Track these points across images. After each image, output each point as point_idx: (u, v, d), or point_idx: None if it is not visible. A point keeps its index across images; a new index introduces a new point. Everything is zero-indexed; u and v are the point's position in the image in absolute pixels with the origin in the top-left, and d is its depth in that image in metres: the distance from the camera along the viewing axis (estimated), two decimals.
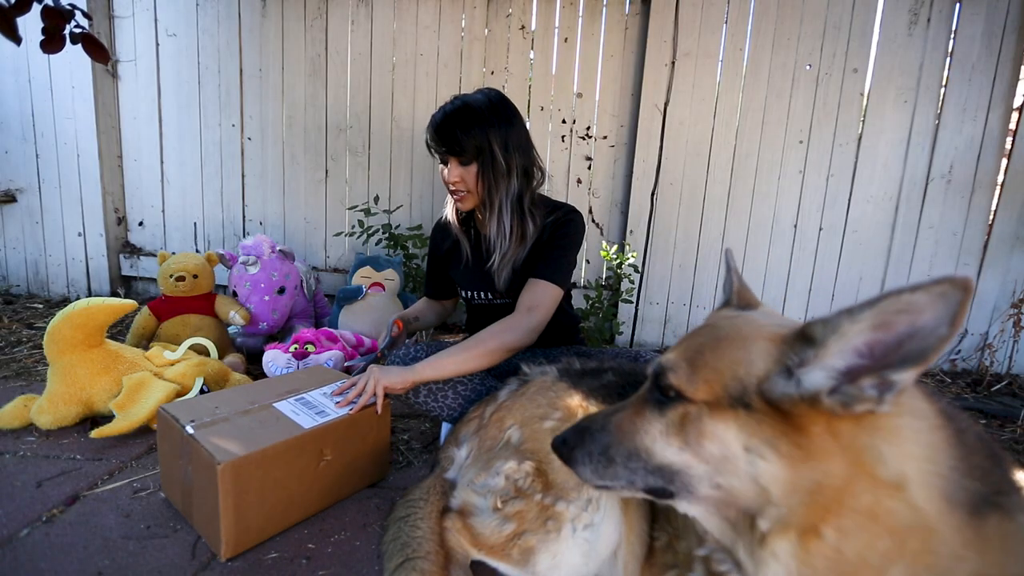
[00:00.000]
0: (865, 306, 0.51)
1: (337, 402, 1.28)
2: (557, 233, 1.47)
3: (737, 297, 0.78)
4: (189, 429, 1.09)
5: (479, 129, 1.37)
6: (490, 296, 1.57)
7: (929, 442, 0.56)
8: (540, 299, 1.40)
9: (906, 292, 0.48)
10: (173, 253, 2.19)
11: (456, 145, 1.38)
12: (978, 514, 0.55)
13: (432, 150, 1.45)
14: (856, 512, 0.55)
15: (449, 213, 1.60)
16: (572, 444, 0.71)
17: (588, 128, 2.61)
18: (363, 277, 2.39)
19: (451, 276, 1.66)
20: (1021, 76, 2.24)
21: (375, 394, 1.28)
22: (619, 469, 0.66)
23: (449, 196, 1.57)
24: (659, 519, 0.89)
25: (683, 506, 0.66)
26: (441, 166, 1.46)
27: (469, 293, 1.61)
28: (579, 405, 1.00)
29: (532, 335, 1.38)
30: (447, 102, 1.43)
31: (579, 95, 2.59)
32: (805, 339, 0.56)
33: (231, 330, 2.19)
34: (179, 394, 1.58)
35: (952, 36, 2.27)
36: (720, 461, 0.59)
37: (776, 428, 0.57)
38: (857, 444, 0.55)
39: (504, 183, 1.43)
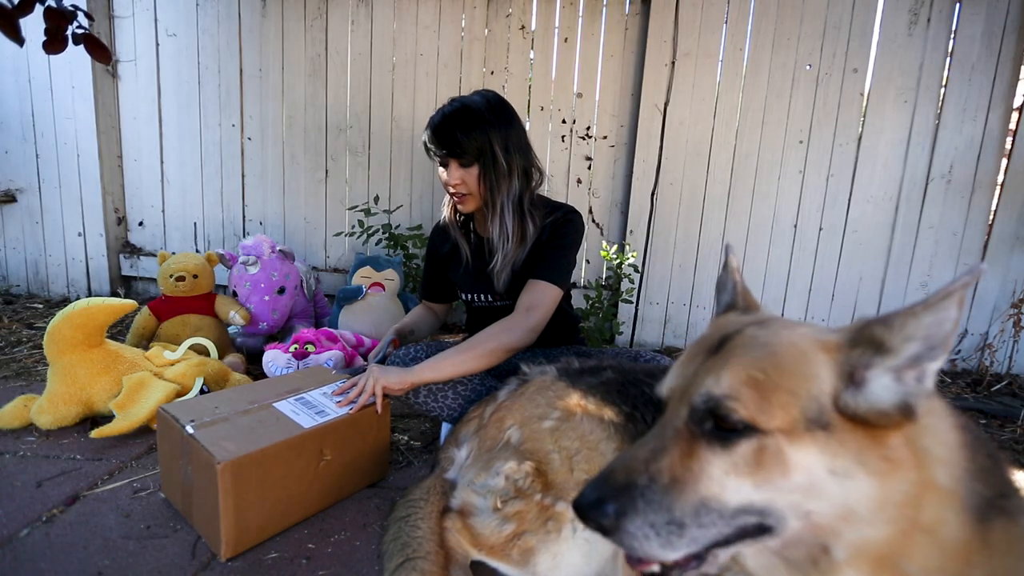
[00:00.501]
0: (923, 307, 0.51)
1: (338, 402, 1.28)
2: (556, 233, 1.47)
3: (743, 299, 0.73)
4: (189, 429, 1.09)
5: (480, 130, 1.38)
6: (490, 298, 1.57)
7: (952, 443, 0.55)
8: (539, 299, 1.40)
9: (957, 288, 0.49)
10: (173, 253, 2.19)
11: (457, 147, 1.38)
12: (985, 519, 0.53)
13: (431, 153, 1.44)
14: (920, 527, 0.52)
15: (447, 215, 1.59)
16: (620, 510, 0.54)
17: (588, 128, 2.61)
18: (363, 277, 2.39)
19: (450, 279, 1.66)
20: (1021, 76, 2.24)
21: (375, 393, 1.28)
22: (693, 531, 0.53)
23: (447, 198, 1.57)
24: None
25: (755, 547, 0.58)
26: (440, 169, 1.46)
27: (469, 296, 1.60)
28: (577, 404, 1.00)
29: (531, 335, 1.38)
30: (445, 104, 1.43)
31: (579, 95, 2.59)
32: (872, 344, 0.54)
33: (231, 330, 2.19)
34: (179, 394, 1.58)
35: (952, 36, 2.27)
36: (806, 489, 0.53)
37: (860, 443, 0.52)
38: (920, 448, 0.53)
39: (506, 184, 1.43)
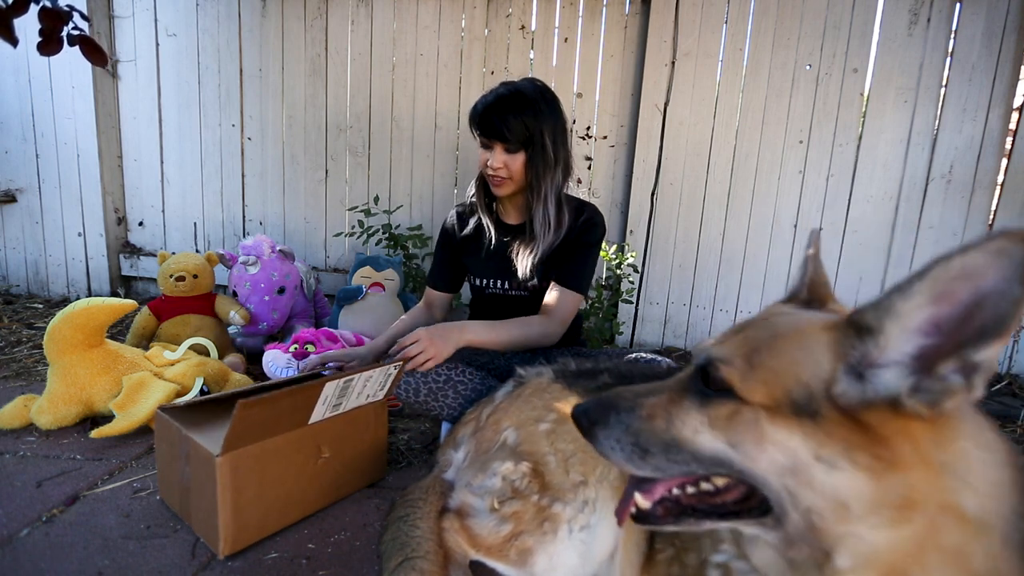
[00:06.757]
0: (915, 279, 0.46)
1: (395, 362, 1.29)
2: (583, 238, 1.49)
3: (808, 289, 0.68)
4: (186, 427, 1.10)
5: (531, 117, 1.38)
6: (506, 286, 1.57)
7: (994, 477, 0.50)
8: (571, 311, 1.47)
9: (957, 256, 0.43)
10: (173, 253, 2.19)
11: (506, 132, 1.37)
12: None
13: (477, 133, 1.43)
14: (938, 548, 0.49)
15: (474, 196, 1.59)
16: (594, 419, 0.63)
17: (588, 128, 2.61)
18: (363, 277, 2.38)
19: (465, 263, 1.65)
20: (1021, 76, 2.24)
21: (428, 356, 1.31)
22: (659, 459, 0.58)
23: (474, 181, 1.57)
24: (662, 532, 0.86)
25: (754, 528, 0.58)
26: (481, 150, 1.45)
27: (483, 281, 1.60)
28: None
29: (555, 342, 1.46)
30: (498, 86, 1.43)
31: (579, 95, 2.59)
32: (859, 328, 0.50)
33: (231, 330, 2.19)
34: (179, 394, 1.58)
35: (952, 36, 2.27)
36: (793, 471, 0.51)
37: (850, 439, 0.49)
38: (936, 462, 0.49)
39: (551, 174, 1.44)
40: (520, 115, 1.37)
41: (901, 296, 0.47)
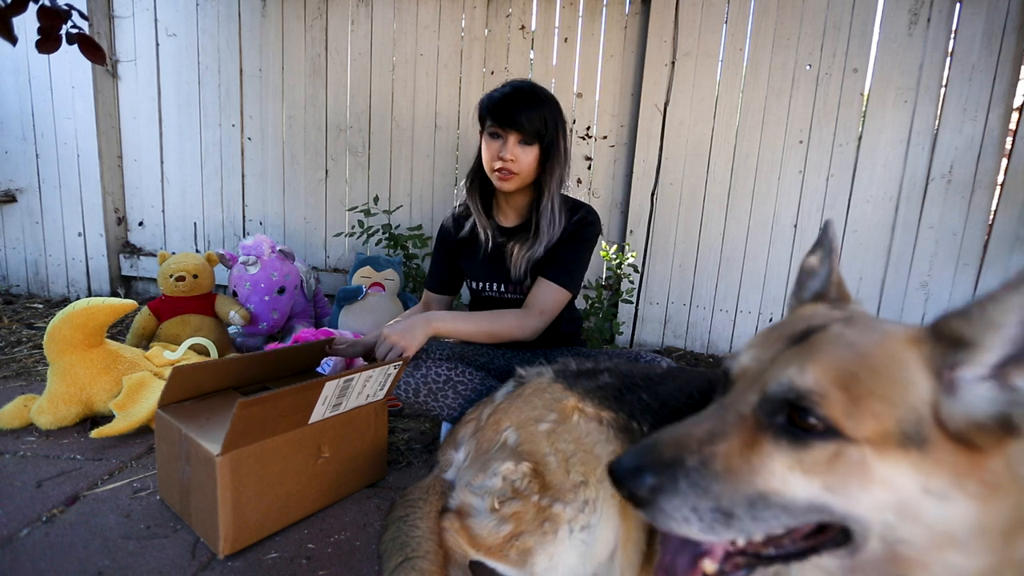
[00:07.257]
0: (1010, 288, 0.44)
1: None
2: (577, 234, 1.49)
3: (836, 290, 0.65)
4: (187, 427, 1.10)
5: (548, 112, 1.40)
6: (502, 288, 1.57)
7: None
8: (552, 304, 1.45)
9: None
10: (173, 253, 2.19)
11: (525, 121, 1.37)
12: None
13: (490, 123, 1.41)
14: (1012, 563, 0.47)
15: (468, 199, 1.58)
16: (659, 486, 0.50)
17: (588, 128, 2.61)
18: (363, 277, 2.38)
19: (461, 266, 1.65)
20: (1021, 76, 2.24)
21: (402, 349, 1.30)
22: (745, 522, 0.49)
23: (465, 181, 1.57)
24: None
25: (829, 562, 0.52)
26: (491, 141, 1.42)
27: (480, 284, 1.60)
28: (574, 407, 1.00)
29: (535, 336, 1.44)
30: (515, 80, 1.45)
31: (579, 95, 2.59)
32: (952, 341, 0.47)
33: (231, 330, 2.19)
34: None
35: (952, 36, 2.27)
36: (898, 509, 0.47)
37: (958, 465, 0.46)
38: (1019, 475, 0.47)
39: (559, 170, 1.46)
40: (538, 108, 1.39)
41: (997, 305, 0.45)
